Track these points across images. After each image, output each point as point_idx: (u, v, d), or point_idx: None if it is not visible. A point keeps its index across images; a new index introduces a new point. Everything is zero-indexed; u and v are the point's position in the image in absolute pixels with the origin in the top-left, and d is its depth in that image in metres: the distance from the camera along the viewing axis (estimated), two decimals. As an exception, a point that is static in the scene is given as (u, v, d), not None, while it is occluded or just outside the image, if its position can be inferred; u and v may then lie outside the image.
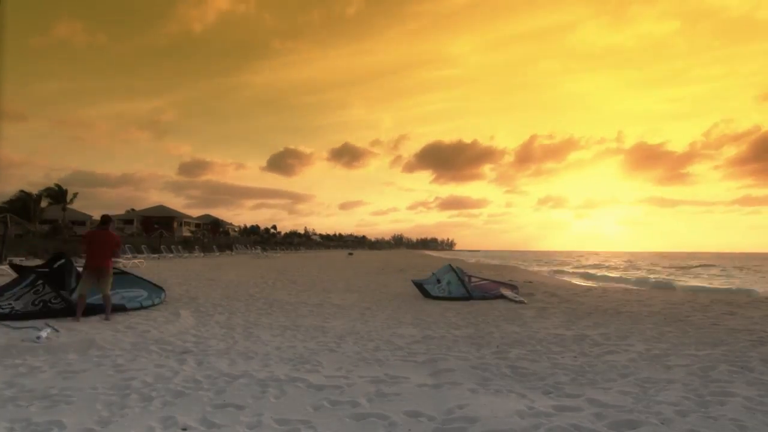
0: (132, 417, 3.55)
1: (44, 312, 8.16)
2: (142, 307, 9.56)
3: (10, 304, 8.32)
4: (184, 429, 3.35)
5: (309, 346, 6.40)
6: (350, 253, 74.66)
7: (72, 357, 5.42)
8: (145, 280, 10.88)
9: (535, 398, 4.17)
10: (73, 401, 3.87)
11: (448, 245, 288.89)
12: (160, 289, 10.84)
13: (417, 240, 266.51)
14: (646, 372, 5.11)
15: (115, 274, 10.28)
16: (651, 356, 5.93)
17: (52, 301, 8.45)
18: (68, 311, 8.25)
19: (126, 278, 10.53)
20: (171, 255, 38.08)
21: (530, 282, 19.26)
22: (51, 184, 49.23)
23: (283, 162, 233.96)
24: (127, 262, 22.46)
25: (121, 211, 73.92)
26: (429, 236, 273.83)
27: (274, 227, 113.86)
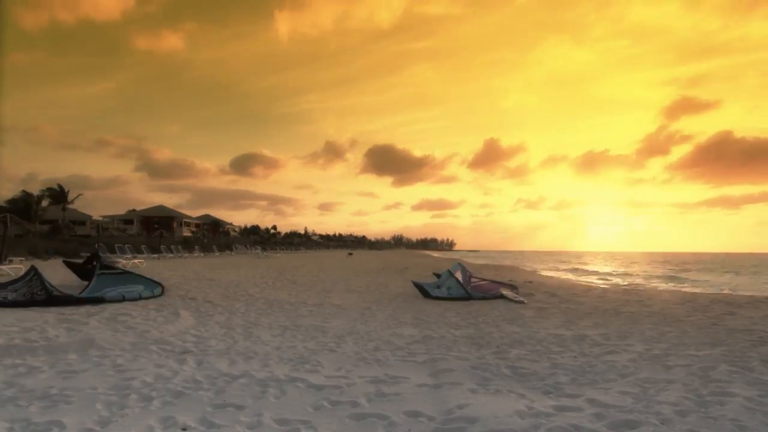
0: (132, 417, 3.55)
1: (29, 302, 8.89)
2: (141, 298, 10.33)
3: (6, 295, 9.09)
4: (184, 429, 3.35)
5: (309, 346, 6.40)
6: (350, 253, 74.65)
7: (72, 357, 5.42)
8: (142, 276, 11.72)
9: (535, 398, 4.17)
10: (73, 401, 3.86)
11: (448, 245, 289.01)
12: (158, 283, 11.56)
13: (417, 240, 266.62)
14: (646, 372, 5.12)
15: (116, 274, 10.92)
16: (651, 356, 5.93)
17: (38, 293, 9.20)
18: (49, 302, 9.03)
19: (126, 277, 11.29)
20: (171, 255, 38.08)
21: (530, 282, 19.27)
22: (25, 189, 48.57)
23: (247, 164, 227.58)
24: (127, 262, 22.46)
25: (121, 211, 73.92)
26: (422, 236, 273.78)
27: (275, 227, 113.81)
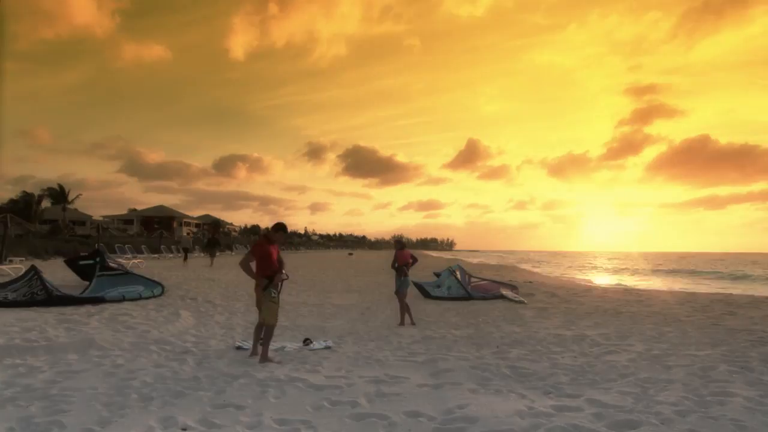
0: (132, 417, 3.55)
1: (29, 302, 8.92)
2: (141, 298, 10.40)
3: (6, 295, 9.13)
4: (184, 429, 3.35)
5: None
6: (350, 254, 74.64)
7: (72, 357, 5.42)
8: (142, 277, 11.90)
9: (535, 398, 4.16)
10: (73, 401, 3.86)
11: (449, 245, 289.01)
12: (158, 283, 11.63)
13: (417, 240, 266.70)
14: (646, 372, 5.11)
15: (116, 274, 10.96)
16: (651, 356, 5.93)
17: (38, 293, 9.24)
18: (49, 302, 9.02)
19: (126, 277, 11.41)
20: (171, 255, 38.05)
21: (530, 282, 19.27)
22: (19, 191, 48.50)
23: (231, 164, 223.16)
24: (126, 262, 22.46)
25: (123, 211, 73.91)
26: (420, 236, 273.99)
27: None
